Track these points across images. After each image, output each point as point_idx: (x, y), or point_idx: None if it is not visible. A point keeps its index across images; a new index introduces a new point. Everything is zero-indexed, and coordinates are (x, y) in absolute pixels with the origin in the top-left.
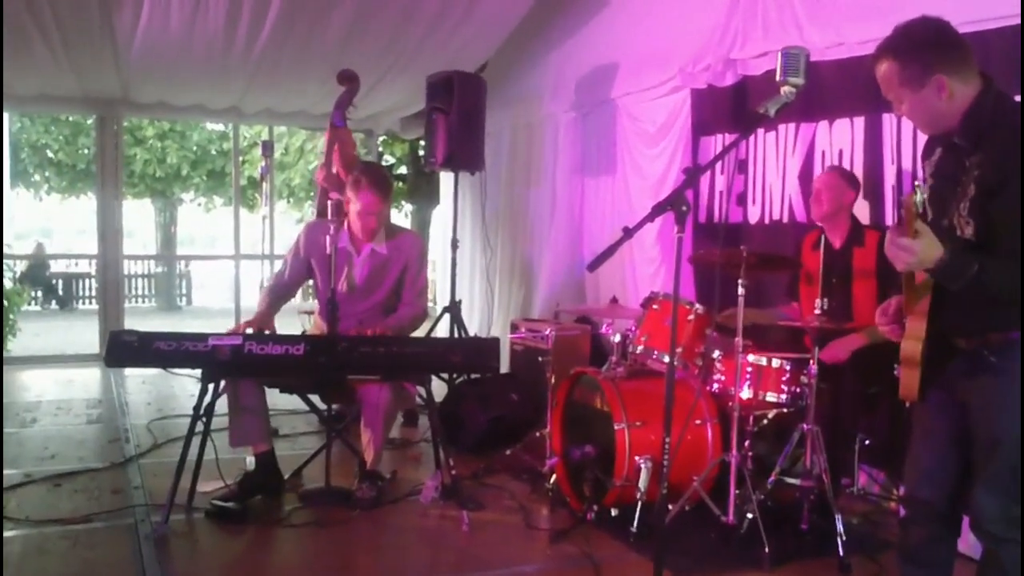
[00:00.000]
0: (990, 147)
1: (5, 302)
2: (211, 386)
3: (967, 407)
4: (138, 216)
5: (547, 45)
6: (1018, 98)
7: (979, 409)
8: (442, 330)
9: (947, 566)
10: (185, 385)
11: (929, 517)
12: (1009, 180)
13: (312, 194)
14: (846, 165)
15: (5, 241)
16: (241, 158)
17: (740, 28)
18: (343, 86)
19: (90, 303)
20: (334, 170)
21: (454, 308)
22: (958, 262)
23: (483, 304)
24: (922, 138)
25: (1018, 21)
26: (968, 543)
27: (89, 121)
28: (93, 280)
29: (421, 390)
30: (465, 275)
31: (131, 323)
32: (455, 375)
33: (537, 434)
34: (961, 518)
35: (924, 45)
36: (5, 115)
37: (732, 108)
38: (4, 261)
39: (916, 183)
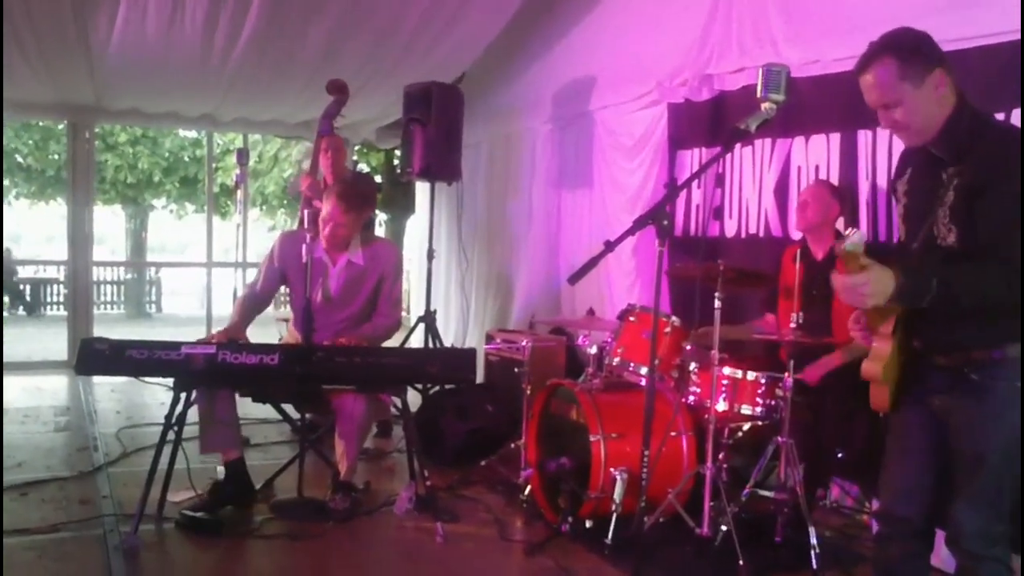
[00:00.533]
0: (971, 158)
1: None
2: (183, 395)
3: (947, 425)
4: (109, 222)
5: (525, 58)
6: (1000, 115)
7: (962, 426)
8: (416, 340)
9: None
10: (155, 393)
11: (906, 534)
12: (991, 185)
13: (285, 202)
14: None
15: None
16: (214, 165)
17: (717, 44)
18: (332, 96)
19: (58, 309)
20: (319, 178)
21: (429, 318)
22: (915, 280)
23: (458, 315)
24: (897, 153)
25: (993, 41)
26: (940, 557)
27: (60, 127)
28: (62, 286)
29: (397, 400)
30: (441, 285)
31: (100, 330)
32: (430, 386)
33: (512, 446)
34: (935, 533)
35: (923, 42)
36: None
37: (709, 123)
38: None
39: (845, 232)
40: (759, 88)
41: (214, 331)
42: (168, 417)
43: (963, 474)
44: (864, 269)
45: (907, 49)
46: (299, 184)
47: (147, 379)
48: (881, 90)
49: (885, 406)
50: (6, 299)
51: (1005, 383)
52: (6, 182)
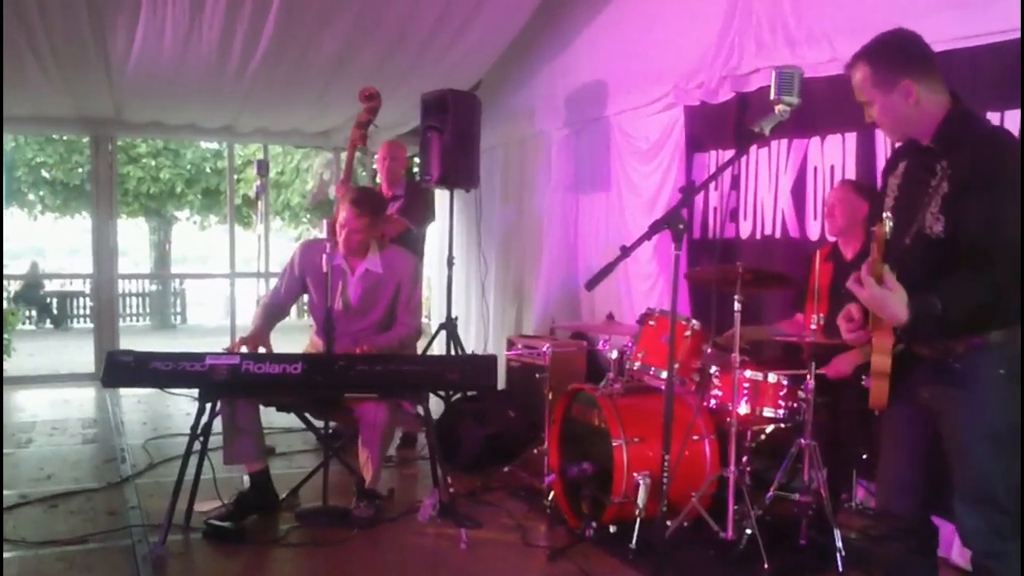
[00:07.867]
0: (964, 151)
1: None
2: (208, 406)
3: (936, 415)
4: (132, 234)
5: (540, 62)
6: (995, 114)
7: (948, 417)
8: (438, 347)
9: None
10: (180, 404)
11: (903, 531)
12: (977, 183)
13: (307, 213)
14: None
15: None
16: (236, 176)
17: (734, 45)
18: (363, 104)
19: (85, 322)
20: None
21: (450, 325)
22: (922, 305)
23: (479, 321)
24: None
25: (996, 40)
26: (956, 549)
27: (85, 139)
28: (88, 299)
29: (419, 408)
30: (462, 292)
31: (126, 342)
32: (452, 392)
33: (535, 451)
34: (935, 527)
35: (895, 51)
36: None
37: (726, 125)
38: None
39: (885, 215)
40: (772, 91)
41: (238, 339)
42: (194, 428)
43: (955, 468)
44: (881, 278)
45: (879, 57)
46: (325, 192)
47: (172, 391)
48: (857, 92)
49: (884, 402)
50: (33, 313)
51: (988, 370)
52: (31, 196)
